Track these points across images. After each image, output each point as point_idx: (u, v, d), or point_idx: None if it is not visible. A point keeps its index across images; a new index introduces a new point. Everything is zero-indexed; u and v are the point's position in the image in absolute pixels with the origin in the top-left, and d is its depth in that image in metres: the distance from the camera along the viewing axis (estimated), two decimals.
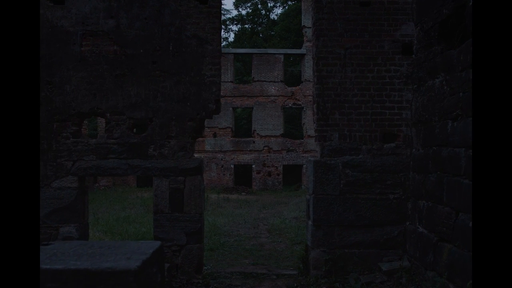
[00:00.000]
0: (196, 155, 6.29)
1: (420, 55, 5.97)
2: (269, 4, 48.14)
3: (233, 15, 48.77)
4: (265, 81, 29.25)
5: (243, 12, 47.90)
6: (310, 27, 29.44)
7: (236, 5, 47.87)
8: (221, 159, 28.72)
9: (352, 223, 6.18)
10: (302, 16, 29.83)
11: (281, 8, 47.12)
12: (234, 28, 49.05)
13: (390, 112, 6.25)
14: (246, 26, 47.44)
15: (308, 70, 29.11)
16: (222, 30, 50.56)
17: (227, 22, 48.60)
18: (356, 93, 6.23)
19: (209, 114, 6.22)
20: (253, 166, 28.30)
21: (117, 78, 6.21)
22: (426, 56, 5.74)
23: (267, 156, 28.54)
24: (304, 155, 28.39)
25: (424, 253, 5.53)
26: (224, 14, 48.77)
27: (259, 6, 47.86)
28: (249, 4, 47.91)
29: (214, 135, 28.83)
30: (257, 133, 28.86)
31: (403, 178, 6.22)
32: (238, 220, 13.54)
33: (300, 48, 30.90)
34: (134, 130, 6.33)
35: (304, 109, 28.90)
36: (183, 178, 6.14)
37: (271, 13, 48.21)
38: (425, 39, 5.79)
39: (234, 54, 30.57)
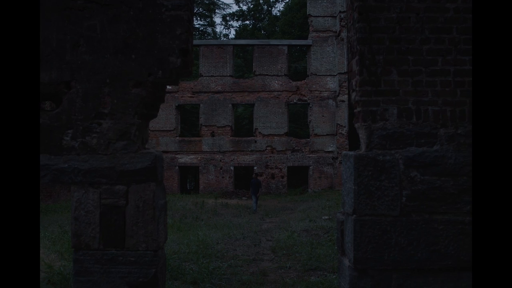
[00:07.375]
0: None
1: None
2: None
3: (234, 11, 47.19)
4: (267, 75, 27.12)
5: (244, 8, 46.26)
6: (316, 16, 27.13)
7: (237, 0, 46.22)
8: (220, 161, 26.79)
9: (422, 265, 3.54)
10: (308, 4, 27.51)
11: (283, 3, 45.32)
12: (235, 24, 47.36)
13: None
14: (247, 22, 45.87)
15: (314, 62, 26.77)
16: (222, 26, 48.47)
17: (228, 18, 46.96)
18: (428, 38, 3.57)
19: (170, 74, 3.53)
20: (255, 168, 26.06)
21: None
22: None
23: (270, 157, 26.56)
24: (310, 155, 26.45)
25: None
26: (224, 9, 46.92)
27: (261, 1, 46.31)
28: (250, 0, 46.32)
29: (212, 134, 26.96)
30: (259, 132, 26.80)
31: None
32: (235, 233, 11.61)
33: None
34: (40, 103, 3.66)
35: (310, 106, 26.84)
36: (125, 187, 3.47)
37: (273, 8, 46.62)
38: None
39: (234, 45, 28.47)
